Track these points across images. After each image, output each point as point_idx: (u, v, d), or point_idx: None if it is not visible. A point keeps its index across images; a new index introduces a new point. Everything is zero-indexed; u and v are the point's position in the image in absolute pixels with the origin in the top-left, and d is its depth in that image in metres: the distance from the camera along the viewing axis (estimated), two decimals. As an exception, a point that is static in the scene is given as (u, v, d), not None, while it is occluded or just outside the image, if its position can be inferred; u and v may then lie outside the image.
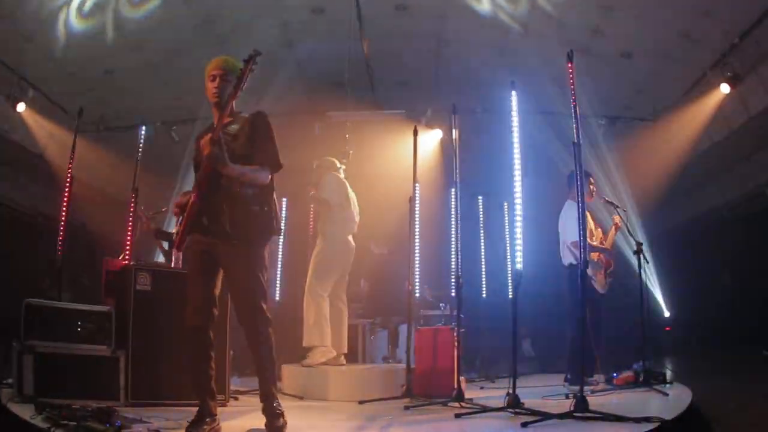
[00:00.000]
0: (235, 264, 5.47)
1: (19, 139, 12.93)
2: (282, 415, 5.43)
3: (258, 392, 5.54)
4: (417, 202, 9.22)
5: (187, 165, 12.83)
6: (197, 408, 5.43)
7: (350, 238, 9.61)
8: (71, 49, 11.67)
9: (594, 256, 9.49)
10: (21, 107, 12.20)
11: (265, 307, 5.49)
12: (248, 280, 5.46)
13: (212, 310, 5.53)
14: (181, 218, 5.66)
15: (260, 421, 5.46)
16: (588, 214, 9.54)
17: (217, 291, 5.61)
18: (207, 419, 5.34)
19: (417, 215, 9.33)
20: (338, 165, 10.00)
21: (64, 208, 9.04)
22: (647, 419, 5.27)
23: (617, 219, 9.77)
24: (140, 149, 10.46)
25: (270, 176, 5.57)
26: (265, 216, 5.53)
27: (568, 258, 9.38)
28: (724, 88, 11.62)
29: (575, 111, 6.66)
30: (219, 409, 5.67)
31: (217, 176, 5.36)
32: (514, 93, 7.34)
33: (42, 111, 12.81)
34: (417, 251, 9.70)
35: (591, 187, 9.62)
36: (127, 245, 9.38)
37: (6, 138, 12.69)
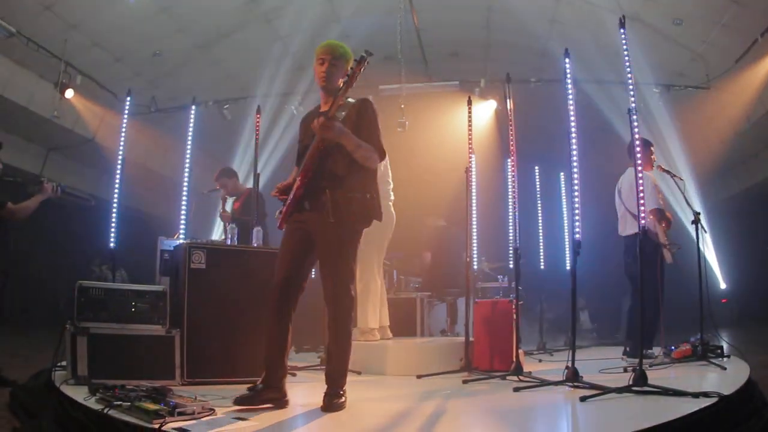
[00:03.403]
0: (329, 242, 5.51)
1: (70, 124, 13.04)
2: (341, 397, 5.41)
3: (318, 368, 5.55)
4: (473, 173, 9.03)
5: (246, 143, 12.88)
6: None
7: (391, 206, 9.43)
8: (117, 35, 11.71)
9: (665, 224, 9.28)
10: (69, 93, 12.32)
11: (352, 288, 5.56)
12: (339, 259, 5.51)
13: (299, 284, 5.62)
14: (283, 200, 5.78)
15: (319, 398, 5.40)
16: (657, 184, 9.35)
17: (307, 271, 5.71)
18: (267, 389, 5.40)
19: (474, 186, 9.13)
20: None
21: (117, 190, 9.02)
22: (706, 394, 5.12)
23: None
24: (191, 128, 10.37)
25: (377, 161, 5.67)
26: (367, 202, 5.60)
27: (633, 227, 9.16)
28: (777, 55, 11.33)
29: (630, 78, 6.51)
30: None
31: (324, 160, 5.48)
32: (568, 61, 7.13)
33: (91, 96, 12.91)
34: (474, 223, 9.50)
35: (652, 156, 9.38)
36: (182, 224, 9.34)
37: (57, 124, 12.77)
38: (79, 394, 5.41)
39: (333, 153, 5.51)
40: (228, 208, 10.52)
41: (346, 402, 5.42)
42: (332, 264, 5.50)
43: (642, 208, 6.54)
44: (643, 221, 6.40)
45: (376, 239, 9.08)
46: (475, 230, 9.78)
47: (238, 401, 5.28)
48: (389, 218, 9.17)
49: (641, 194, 6.50)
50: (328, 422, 5.01)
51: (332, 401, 5.29)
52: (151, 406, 4.56)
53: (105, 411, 4.69)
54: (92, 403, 5.03)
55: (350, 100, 5.73)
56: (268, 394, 5.40)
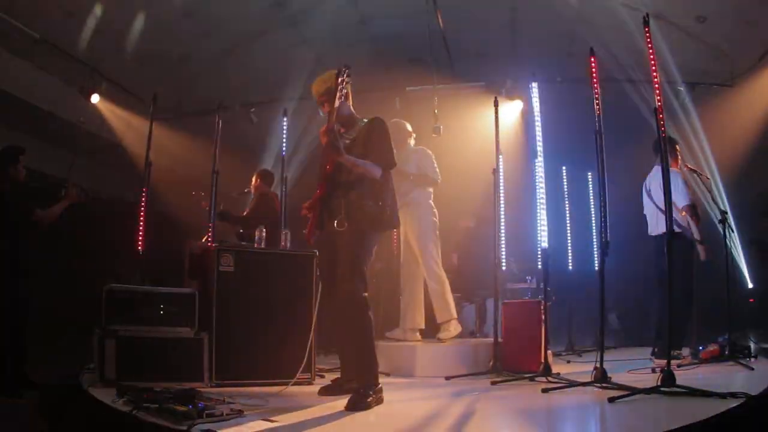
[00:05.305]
0: (344, 248, 5.85)
1: (96, 129, 13.07)
2: (366, 396, 5.49)
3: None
4: (500, 173, 8.99)
5: (276, 147, 12.92)
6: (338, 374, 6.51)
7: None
8: (142, 39, 11.74)
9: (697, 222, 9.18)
10: (95, 98, 12.34)
11: (364, 294, 5.78)
12: (349, 264, 5.77)
13: None
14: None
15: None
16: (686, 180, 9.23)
17: None
18: (347, 381, 6.05)
19: (501, 187, 9.10)
20: (409, 128, 9.76)
21: (144, 194, 9.06)
22: (733, 395, 5.10)
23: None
24: (219, 132, 10.36)
25: (381, 172, 5.95)
26: (377, 209, 5.93)
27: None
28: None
29: (654, 76, 6.47)
30: (306, 388, 5.85)
31: (337, 173, 5.94)
32: (593, 59, 7.09)
33: (117, 100, 12.93)
34: (502, 224, 9.47)
35: (678, 154, 9.29)
36: (209, 227, 9.36)
37: (83, 129, 12.79)
38: (107, 396, 5.45)
39: (344, 165, 5.90)
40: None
41: (374, 402, 5.50)
42: (347, 268, 5.76)
43: (670, 206, 6.48)
44: (675, 218, 6.35)
45: (434, 237, 9.17)
46: (503, 231, 9.74)
47: (322, 392, 6.13)
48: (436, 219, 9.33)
49: (677, 192, 6.45)
50: (355, 423, 5.03)
51: (357, 400, 5.39)
52: (180, 408, 4.57)
53: (133, 413, 4.71)
54: (120, 405, 5.08)
55: (364, 120, 6.18)
56: (349, 384, 5.88)
